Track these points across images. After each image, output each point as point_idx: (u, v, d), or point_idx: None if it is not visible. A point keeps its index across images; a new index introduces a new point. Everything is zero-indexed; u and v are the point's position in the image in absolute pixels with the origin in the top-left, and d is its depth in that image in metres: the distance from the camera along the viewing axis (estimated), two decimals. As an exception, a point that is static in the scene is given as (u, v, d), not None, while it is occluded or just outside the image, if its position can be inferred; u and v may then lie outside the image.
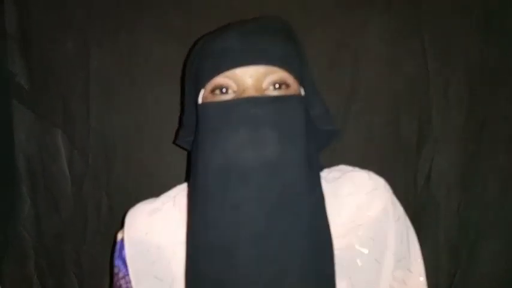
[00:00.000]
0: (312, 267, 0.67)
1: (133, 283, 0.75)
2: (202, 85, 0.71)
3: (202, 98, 0.71)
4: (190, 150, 0.80)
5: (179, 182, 0.86)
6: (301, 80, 0.72)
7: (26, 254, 1.09)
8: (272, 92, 0.68)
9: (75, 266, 1.08)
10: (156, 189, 0.85)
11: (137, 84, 1.04)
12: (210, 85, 0.69)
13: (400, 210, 0.79)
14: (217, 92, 0.69)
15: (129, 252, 0.76)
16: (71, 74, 1.04)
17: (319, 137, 0.78)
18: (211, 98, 0.69)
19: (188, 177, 0.77)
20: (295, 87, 0.70)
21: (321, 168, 0.83)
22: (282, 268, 0.65)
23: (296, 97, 0.70)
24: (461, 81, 1.06)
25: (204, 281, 0.68)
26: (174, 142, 0.92)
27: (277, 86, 0.68)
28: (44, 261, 1.09)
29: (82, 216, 1.06)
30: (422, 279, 0.79)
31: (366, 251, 0.73)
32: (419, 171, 1.08)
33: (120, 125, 1.05)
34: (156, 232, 0.76)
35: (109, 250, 1.04)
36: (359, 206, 0.75)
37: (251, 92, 0.67)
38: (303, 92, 0.73)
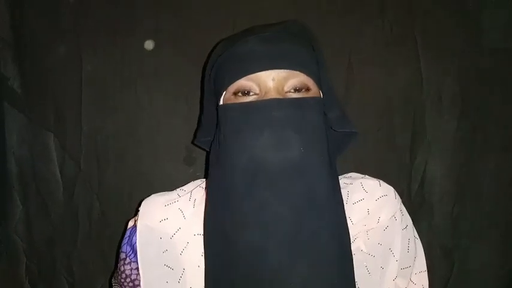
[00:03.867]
0: (339, 268, 0.68)
1: (141, 270, 0.75)
2: (224, 87, 0.72)
3: (224, 99, 0.73)
4: (209, 149, 0.81)
5: (173, 185, 0.85)
6: (319, 83, 0.73)
7: (17, 258, 1.08)
8: (293, 95, 0.70)
9: (66, 270, 1.07)
10: (149, 193, 0.84)
11: (130, 88, 1.04)
12: (233, 87, 0.71)
13: (408, 219, 0.81)
14: (240, 94, 0.70)
15: (140, 239, 0.76)
16: (64, 78, 1.04)
17: (336, 140, 0.79)
18: (234, 100, 0.71)
19: (207, 174, 0.78)
20: (315, 91, 0.71)
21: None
22: (312, 268, 0.66)
23: (316, 99, 0.71)
24: (454, 86, 1.06)
25: (231, 280, 0.69)
26: (192, 142, 0.93)
27: (297, 89, 0.70)
28: (35, 266, 1.08)
29: (73, 220, 1.06)
30: None
31: (373, 256, 0.75)
32: (413, 176, 1.08)
33: (112, 129, 1.05)
34: (170, 222, 0.77)
35: (100, 255, 1.04)
36: (369, 212, 0.76)
37: (273, 95, 0.68)
38: (321, 95, 0.74)
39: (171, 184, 0.87)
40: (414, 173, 1.08)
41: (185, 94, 1.03)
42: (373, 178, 0.81)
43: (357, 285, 0.72)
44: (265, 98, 0.68)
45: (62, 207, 1.06)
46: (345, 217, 0.71)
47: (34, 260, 1.08)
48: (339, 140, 0.80)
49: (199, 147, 0.91)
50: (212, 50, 0.82)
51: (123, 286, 0.79)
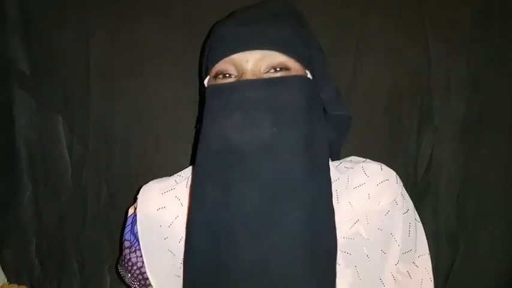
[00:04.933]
0: (311, 249, 0.67)
1: (144, 257, 0.77)
2: (208, 71, 0.74)
3: (208, 83, 0.74)
4: None
5: (179, 169, 0.86)
6: (307, 62, 0.72)
7: (27, 239, 1.10)
8: (272, 76, 0.69)
9: (76, 251, 1.09)
10: (155, 176, 0.86)
11: (137, 71, 1.04)
12: (213, 70, 0.72)
13: (409, 203, 0.80)
14: (220, 77, 0.71)
15: (141, 227, 0.78)
16: (72, 60, 1.04)
17: (333, 122, 0.78)
18: (214, 82, 0.72)
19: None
20: (296, 69, 0.70)
21: (337, 157, 0.84)
22: (275, 251, 0.65)
23: (295, 78, 0.70)
24: (463, 70, 1.05)
25: (203, 260, 0.69)
26: (195, 127, 0.94)
27: (277, 69, 0.69)
28: (45, 247, 1.10)
29: (82, 202, 1.07)
30: (429, 274, 0.80)
31: (373, 240, 0.75)
32: (419, 160, 1.08)
33: (120, 111, 1.05)
34: (168, 210, 0.78)
35: (109, 235, 1.06)
36: (370, 196, 0.76)
37: (249, 77, 0.68)
38: (309, 75, 0.73)
39: (177, 168, 0.87)
40: (420, 157, 1.07)
41: (193, 78, 1.02)
42: (375, 162, 0.80)
43: (356, 270, 0.73)
44: (241, 79, 0.69)
45: (71, 189, 1.07)
46: (329, 202, 0.69)
47: (44, 241, 1.10)
48: (337, 124, 0.79)
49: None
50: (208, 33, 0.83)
51: (131, 273, 0.81)
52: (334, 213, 0.69)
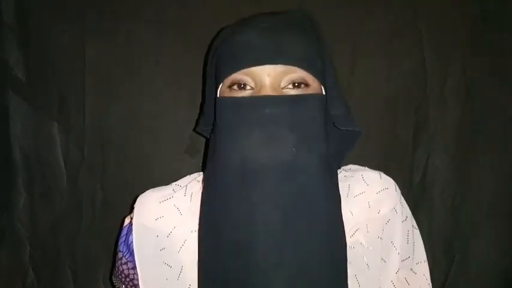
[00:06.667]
0: (328, 269, 0.68)
1: (138, 269, 0.75)
2: (221, 80, 0.71)
3: (220, 92, 0.71)
4: (209, 139, 0.80)
5: (176, 175, 0.86)
6: (323, 78, 0.71)
7: (20, 245, 1.09)
8: (290, 91, 0.67)
9: (70, 258, 1.08)
10: (152, 183, 0.85)
11: (133, 75, 1.04)
12: (228, 80, 0.69)
13: (407, 210, 0.81)
14: (235, 87, 0.69)
15: (136, 238, 0.76)
16: (68, 65, 1.04)
17: (341, 138, 0.78)
18: (229, 93, 0.69)
19: (205, 166, 0.77)
20: (315, 86, 0.69)
21: (339, 166, 0.83)
22: (299, 269, 0.66)
23: (314, 96, 0.69)
24: (458, 77, 1.06)
25: (221, 280, 0.69)
26: (194, 130, 0.93)
27: (296, 85, 0.68)
28: (38, 253, 1.09)
29: (77, 208, 1.06)
30: (427, 281, 0.80)
31: (373, 249, 0.74)
32: (415, 168, 1.08)
33: (116, 117, 1.05)
34: (166, 220, 0.76)
35: (103, 243, 1.05)
36: (369, 204, 0.76)
37: (268, 91, 0.66)
38: (323, 91, 0.72)
39: (173, 174, 0.87)
40: (416, 164, 1.08)
41: (189, 83, 1.03)
42: (374, 170, 0.80)
43: (356, 279, 0.72)
44: (260, 94, 0.66)
45: (66, 195, 1.06)
46: (341, 219, 0.70)
47: (37, 248, 1.08)
48: (343, 137, 0.79)
49: (202, 135, 0.91)
50: (215, 37, 0.81)
51: (124, 284, 0.79)
52: (344, 231, 0.70)
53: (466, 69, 1.05)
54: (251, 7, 0.95)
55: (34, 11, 1.04)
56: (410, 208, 0.82)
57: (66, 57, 1.04)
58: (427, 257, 0.81)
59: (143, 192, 0.81)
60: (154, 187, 0.83)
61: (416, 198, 1.08)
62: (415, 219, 0.83)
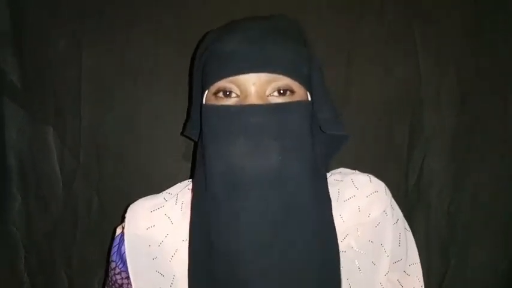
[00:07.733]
0: (318, 276, 0.68)
1: (132, 279, 0.75)
2: (207, 86, 0.71)
3: (206, 98, 0.71)
4: (197, 144, 0.79)
5: (171, 181, 0.86)
6: (308, 84, 0.71)
7: (16, 251, 1.08)
8: (276, 99, 0.67)
9: (65, 264, 1.07)
10: (147, 189, 0.85)
11: (129, 83, 1.04)
12: (214, 87, 0.69)
13: (398, 213, 0.81)
14: (221, 94, 0.69)
15: (128, 247, 0.76)
16: (63, 72, 1.04)
17: (327, 142, 0.77)
18: (215, 101, 0.69)
19: (193, 173, 0.78)
20: (300, 93, 0.69)
21: (327, 170, 0.83)
22: (288, 278, 0.66)
23: (300, 103, 0.69)
24: (453, 82, 1.07)
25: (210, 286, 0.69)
26: (182, 133, 0.93)
27: (281, 92, 0.67)
28: (34, 259, 1.08)
29: (72, 214, 1.06)
30: (420, 282, 0.80)
31: (364, 253, 0.74)
32: (410, 172, 1.09)
33: (112, 123, 1.05)
34: (157, 229, 0.76)
35: (99, 249, 1.05)
36: (360, 208, 0.76)
37: (253, 99, 0.66)
38: (309, 97, 0.72)
39: (169, 180, 0.87)
40: (411, 169, 1.08)
41: (184, 90, 1.02)
42: (364, 173, 0.80)
43: (348, 283, 0.72)
44: (245, 102, 0.66)
45: (61, 201, 1.06)
46: (332, 224, 0.70)
47: (33, 254, 1.08)
48: (330, 141, 0.78)
49: (190, 139, 0.91)
50: (201, 40, 0.81)
51: None
52: (336, 236, 0.70)
53: (461, 72, 1.06)
54: (246, 16, 0.96)
55: (29, 17, 1.04)
56: (405, 211, 0.83)
57: (62, 64, 1.03)
58: (423, 260, 0.81)
59: (139, 198, 0.81)
60: (150, 193, 0.83)
61: (412, 201, 1.08)
62: (410, 222, 0.83)
